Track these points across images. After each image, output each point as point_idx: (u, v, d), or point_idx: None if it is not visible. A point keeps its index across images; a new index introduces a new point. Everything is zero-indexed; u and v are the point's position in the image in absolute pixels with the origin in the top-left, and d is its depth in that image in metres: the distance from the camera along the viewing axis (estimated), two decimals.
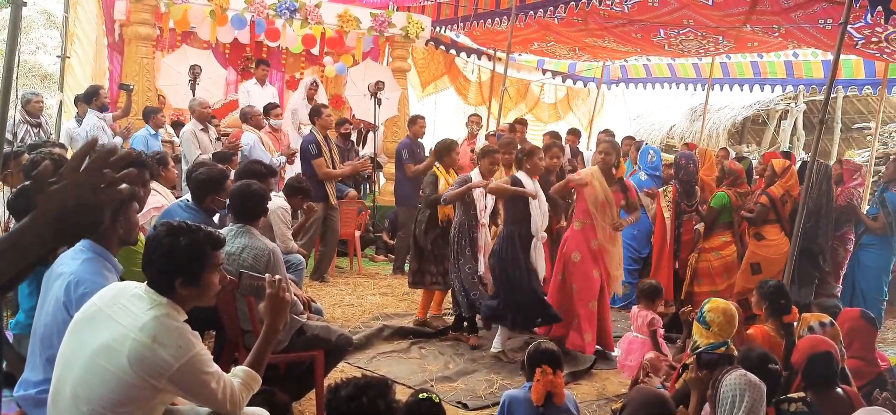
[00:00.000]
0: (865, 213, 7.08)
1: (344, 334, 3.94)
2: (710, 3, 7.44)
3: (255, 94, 8.89)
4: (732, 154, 9.41)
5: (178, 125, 8.50)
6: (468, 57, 12.99)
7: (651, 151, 7.42)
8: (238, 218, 3.69)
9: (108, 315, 2.14)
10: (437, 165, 6.04)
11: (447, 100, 14.39)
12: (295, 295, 3.74)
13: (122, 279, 2.60)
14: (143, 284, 2.22)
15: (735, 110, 14.84)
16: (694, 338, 3.57)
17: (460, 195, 5.33)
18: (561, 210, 6.07)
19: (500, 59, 11.66)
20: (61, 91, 8.85)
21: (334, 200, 7.16)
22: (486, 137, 8.28)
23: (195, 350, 2.15)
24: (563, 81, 14.32)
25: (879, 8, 5.68)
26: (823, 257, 6.31)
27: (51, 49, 12.61)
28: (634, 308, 5.24)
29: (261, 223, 3.90)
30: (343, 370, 4.39)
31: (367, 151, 9.97)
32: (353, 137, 9.87)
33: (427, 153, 7.86)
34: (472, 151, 7.82)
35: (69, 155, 4.70)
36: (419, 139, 8.02)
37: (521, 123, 9.77)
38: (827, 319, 4.07)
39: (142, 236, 3.13)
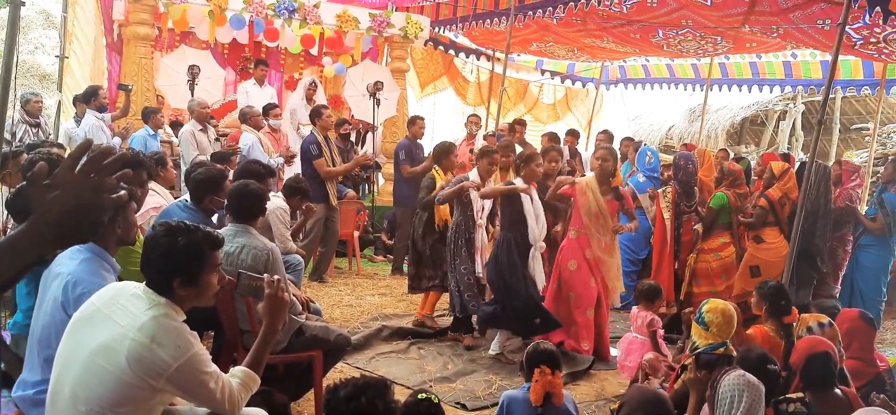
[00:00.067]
0: (864, 213, 7.09)
1: (343, 335, 3.94)
2: (708, 3, 7.45)
3: (254, 95, 8.88)
4: (731, 155, 9.41)
5: (176, 125, 8.50)
6: (467, 57, 12.99)
7: (649, 153, 7.41)
8: (236, 218, 3.70)
9: (106, 315, 2.14)
10: (436, 167, 6.04)
11: (446, 100, 14.40)
12: (293, 295, 3.74)
13: (120, 279, 2.60)
14: (142, 285, 2.22)
15: (734, 111, 14.87)
16: (693, 338, 3.56)
17: (453, 195, 5.32)
18: (561, 215, 6.04)
19: (498, 59, 11.66)
20: (60, 91, 8.84)
21: (335, 201, 7.16)
22: (485, 138, 8.28)
23: (194, 350, 2.15)
24: (562, 82, 14.32)
25: (878, 8, 5.69)
26: (821, 258, 6.31)
27: (49, 49, 12.60)
28: (634, 309, 5.23)
29: (259, 223, 3.90)
30: (342, 371, 4.39)
31: (365, 151, 9.97)
32: (352, 138, 9.87)
33: (426, 154, 7.86)
34: (471, 151, 7.82)
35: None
36: (418, 140, 8.02)
37: (520, 123, 9.79)
38: (826, 319, 4.08)
39: (141, 235, 3.13)
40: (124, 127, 7.80)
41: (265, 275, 2.71)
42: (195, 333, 2.21)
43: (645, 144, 8.30)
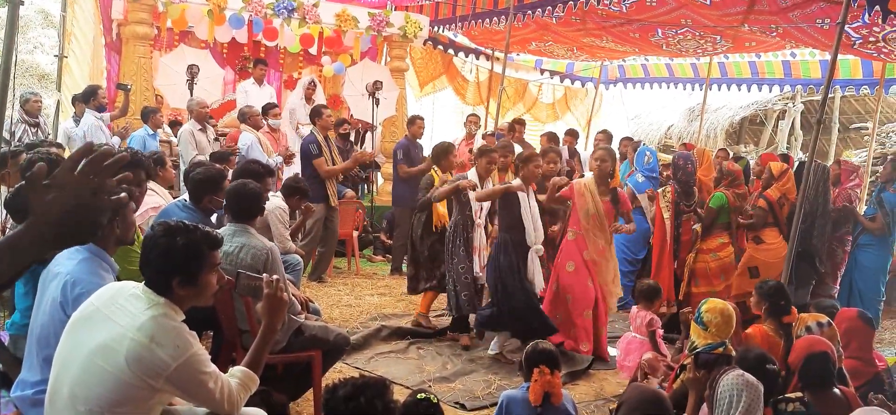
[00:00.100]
0: (863, 213, 7.09)
1: (342, 335, 3.93)
2: (707, 2, 7.44)
3: (253, 94, 8.88)
4: (730, 154, 9.41)
5: (175, 125, 8.49)
6: (466, 57, 12.99)
7: (648, 152, 7.39)
8: (235, 217, 3.70)
9: (105, 315, 2.14)
10: (435, 167, 6.03)
11: (445, 100, 14.40)
12: (292, 295, 3.74)
13: (118, 279, 2.60)
14: (141, 284, 2.22)
15: (733, 110, 14.86)
16: (691, 338, 3.57)
17: (448, 194, 5.31)
18: (559, 216, 6.03)
19: (498, 58, 11.65)
20: (59, 91, 8.83)
21: (335, 202, 7.16)
22: (484, 137, 8.27)
23: (193, 350, 2.15)
24: (561, 81, 14.32)
25: (877, 7, 5.69)
26: (820, 258, 6.32)
27: (48, 48, 12.58)
28: (633, 309, 5.23)
29: (258, 223, 3.90)
30: (341, 371, 4.39)
31: (364, 150, 9.96)
32: (351, 137, 9.87)
33: (425, 154, 7.86)
34: (471, 151, 7.82)
35: (67, 155, 4.69)
36: (417, 140, 8.02)
37: (520, 123, 9.77)
38: (824, 319, 4.08)
39: (140, 235, 3.13)
40: (123, 126, 7.80)
41: (264, 275, 2.71)
42: (194, 332, 2.21)
43: (644, 144, 8.29)
